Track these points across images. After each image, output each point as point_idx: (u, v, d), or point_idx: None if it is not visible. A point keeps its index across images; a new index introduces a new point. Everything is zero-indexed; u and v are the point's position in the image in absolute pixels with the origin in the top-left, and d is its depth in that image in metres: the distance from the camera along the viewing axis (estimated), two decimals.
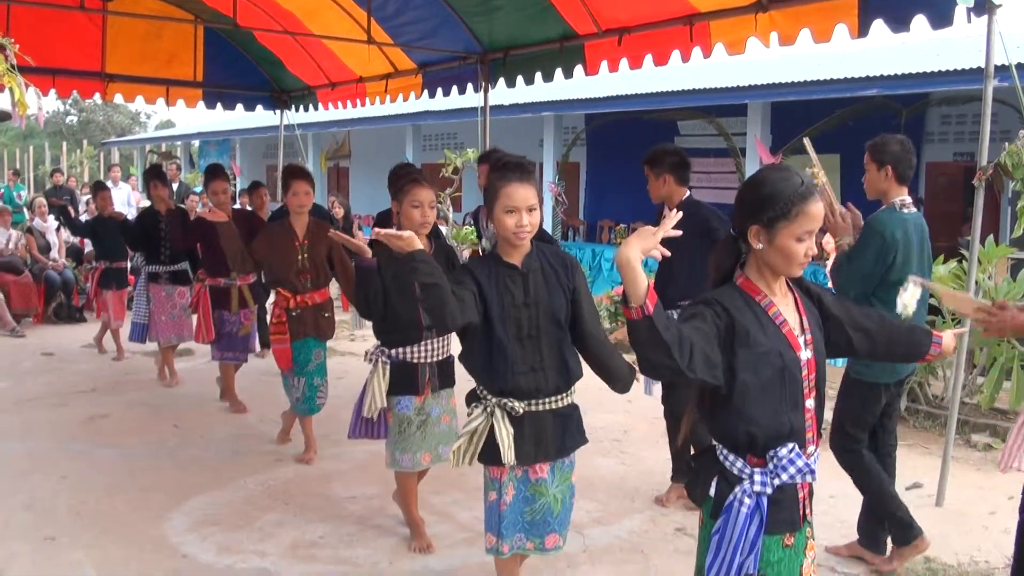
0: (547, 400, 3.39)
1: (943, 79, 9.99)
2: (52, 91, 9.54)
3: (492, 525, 3.49)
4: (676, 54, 6.36)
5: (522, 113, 15.27)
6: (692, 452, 4.54)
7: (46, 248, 12.07)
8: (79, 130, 45.20)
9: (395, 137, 19.61)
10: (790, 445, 2.50)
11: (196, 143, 29.42)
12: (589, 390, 3.73)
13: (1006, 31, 4.89)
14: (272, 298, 6.09)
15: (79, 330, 11.05)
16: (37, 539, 4.74)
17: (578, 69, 7.19)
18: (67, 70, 9.42)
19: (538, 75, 7.56)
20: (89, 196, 12.59)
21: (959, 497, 5.44)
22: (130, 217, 9.96)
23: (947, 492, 5.35)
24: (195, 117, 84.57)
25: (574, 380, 3.47)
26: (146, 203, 11.87)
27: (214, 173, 7.35)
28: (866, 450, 4.45)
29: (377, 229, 3.28)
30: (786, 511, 2.53)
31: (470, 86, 8.38)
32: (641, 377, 3.71)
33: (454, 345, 3.91)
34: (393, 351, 4.47)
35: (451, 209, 15.33)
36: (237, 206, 9.30)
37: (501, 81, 8.07)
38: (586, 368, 3.51)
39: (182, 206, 9.38)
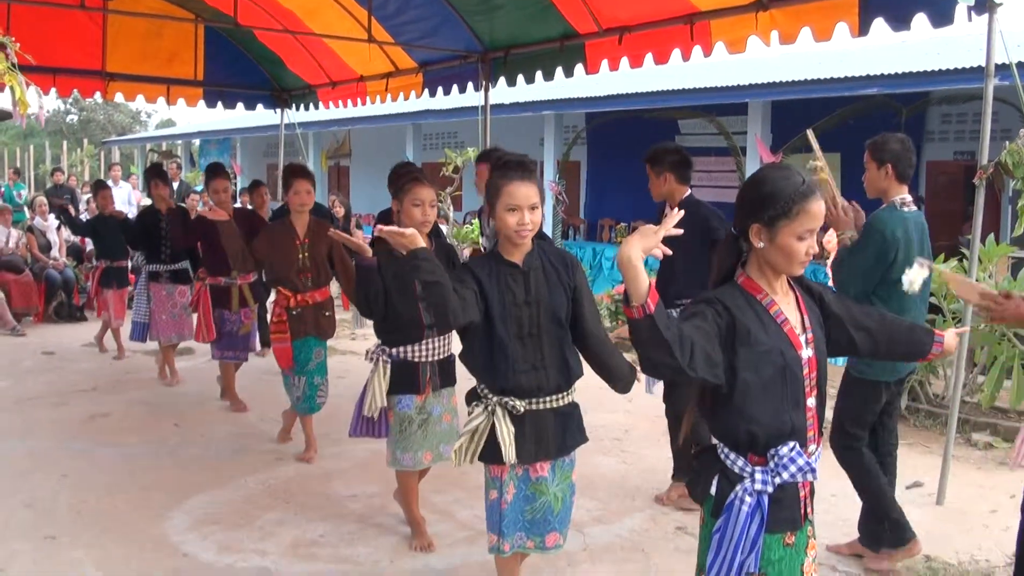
0: (548, 399, 3.39)
1: (943, 78, 9.99)
2: (53, 90, 9.55)
3: (493, 524, 3.50)
4: (677, 53, 6.36)
5: (523, 112, 15.27)
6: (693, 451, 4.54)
7: (47, 247, 12.07)
8: (80, 129, 45.19)
9: (396, 136, 19.61)
10: (791, 444, 2.50)
11: (197, 142, 29.42)
12: (590, 389, 3.73)
13: (1007, 29, 4.89)
14: (272, 297, 6.08)
15: (80, 329, 11.04)
16: (38, 538, 4.74)
17: (579, 68, 7.19)
18: (68, 69, 9.43)
19: (539, 74, 7.56)
20: (90, 195, 12.60)
21: (960, 496, 5.44)
22: (131, 216, 9.95)
23: (948, 491, 5.36)
24: (195, 116, 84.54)
25: (575, 379, 3.47)
26: (147, 202, 11.89)
27: (215, 172, 7.35)
28: (866, 449, 4.45)
29: (381, 226, 3.27)
30: (787, 510, 2.53)
31: (471, 85, 8.38)
32: (642, 376, 3.71)
33: (455, 344, 3.91)
34: (394, 350, 4.47)
35: (451, 208, 15.33)
36: (238, 205, 9.31)
37: (502, 80, 8.07)
38: (587, 367, 3.51)
39: (183, 205, 9.39)
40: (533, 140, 16.31)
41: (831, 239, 7.07)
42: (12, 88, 4.28)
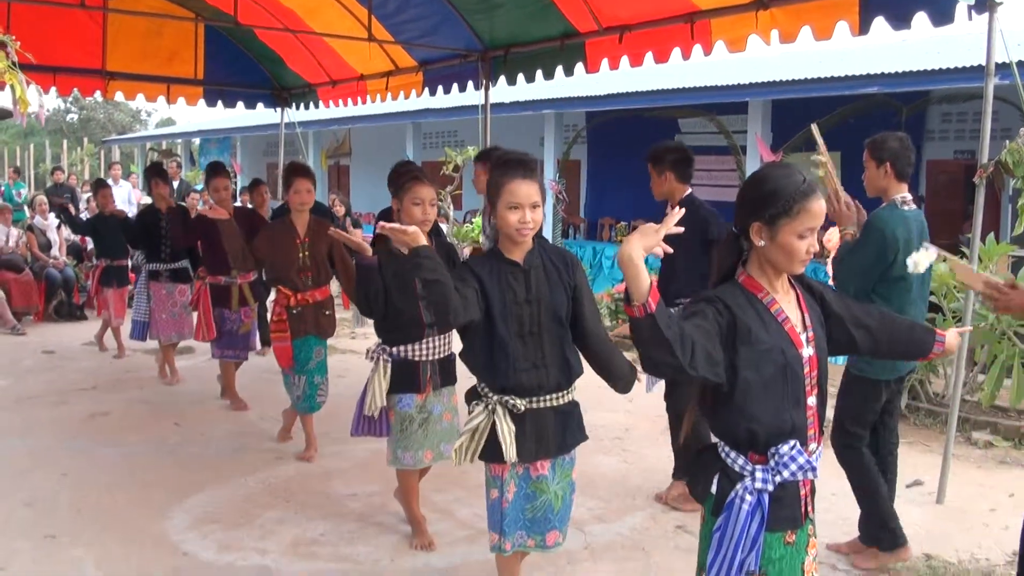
0: (548, 397, 3.39)
1: (944, 77, 9.98)
2: (53, 89, 9.54)
3: (494, 523, 3.50)
4: (677, 52, 6.36)
5: (523, 111, 15.26)
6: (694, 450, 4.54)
7: (47, 246, 12.07)
8: (80, 128, 45.18)
9: (396, 135, 19.60)
10: (791, 442, 2.51)
11: (197, 141, 29.39)
12: (590, 388, 3.73)
13: (1007, 28, 4.90)
14: (273, 296, 6.09)
15: (80, 328, 11.05)
16: (38, 536, 4.74)
17: (579, 67, 7.19)
18: (68, 68, 9.42)
19: (539, 73, 7.55)
20: (90, 194, 12.59)
21: (960, 494, 5.44)
22: (131, 215, 9.95)
23: (948, 489, 5.36)
24: (195, 115, 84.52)
25: (575, 377, 3.47)
26: (147, 201, 11.89)
27: (215, 170, 7.35)
28: (866, 450, 4.45)
29: (383, 223, 3.27)
30: (788, 508, 2.54)
31: (471, 84, 8.38)
32: (643, 376, 3.71)
33: (455, 343, 3.91)
34: (394, 349, 4.47)
35: (451, 207, 15.32)
36: (238, 204, 9.32)
37: (502, 79, 8.07)
38: (587, 367, 3.51)
39: (183, 204, 9.39)
40: (533, 139, 16.30)
41: (831, 237, 7.08)
42: (12, 87, 4.28)
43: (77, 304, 11.86)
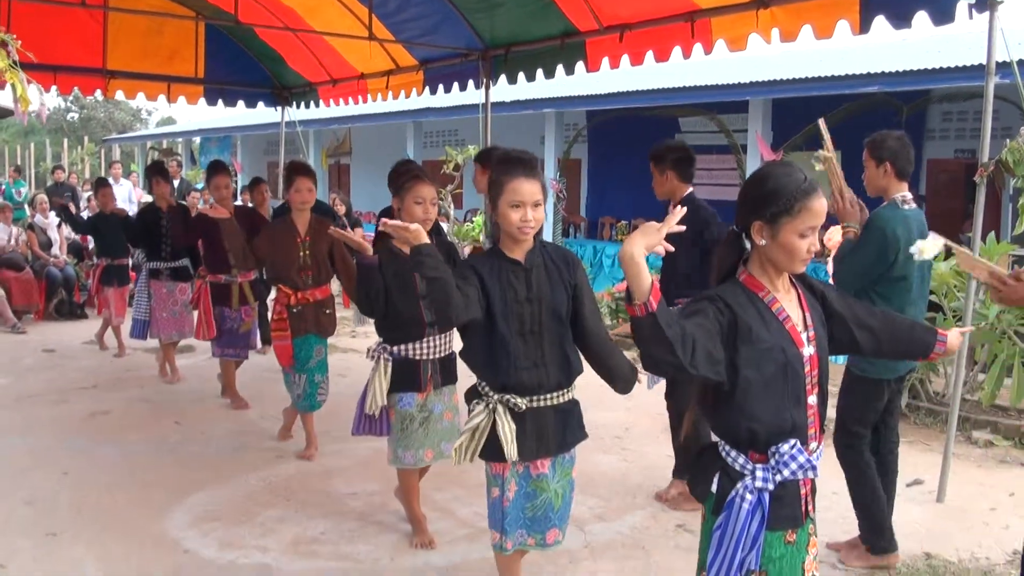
0: (549, 396, 3.40)
1: (944, 76, 9.98)
2: (53, 88, 9.54)
3: (495, 521, 3.50)
4: (677, 50, 6.36)
5: (523, 110, 15.25)
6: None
7: (47, 245, 12.07)
8: (80, 127, 45.18)
9: (396, 134, 19.59)
10: (792, 441, 2.51)
11: (197, 140, 29.39)
12: (590, 387, 3.73)
13: (1008, 27, 4.89)
14: (273, 295, 6.09)
15: (80, 327, 11.05)
16: (38, 535, 4.74)
17: (579, 66, 7.19)
18: (68, 67, 9.41)
19: (539, 72, 7.55)
20: (90, 193, 12.58)
21: (960, 493, 5.44)
22: (131, 214, 9.95)
23: (948, 488, 5.36)
24: (196, 114, 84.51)
25: (575, 376, 3.47)
26: (147, 199, 11.88)
27: (216, 168, 7.36)
28: (868, 452, 4.45)
29: (385, 220, 3.27)
30: (788, 507, 2.54)
31: (471, 83, 8.38)
32: (643, 376, 3.71)
33: (456, 342, 3.91)
34: (395, 348, 4.47)
35: (452, 206, 15.32)
36: (238, 203, 9.31)
37: (502, 78, 8.07)
38: (588, 366, 3.51)
39: (183, 203, 9.39)
40: (534, 138, 16.29)
41: (831, 236, 7.08)
42: (13, 85, 4.28)
43: (78, 303, 11.87)
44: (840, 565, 4.47)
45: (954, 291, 7.16)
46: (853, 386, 4.45)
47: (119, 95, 10.20)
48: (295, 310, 5.83)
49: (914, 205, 4.38)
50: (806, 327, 2.58)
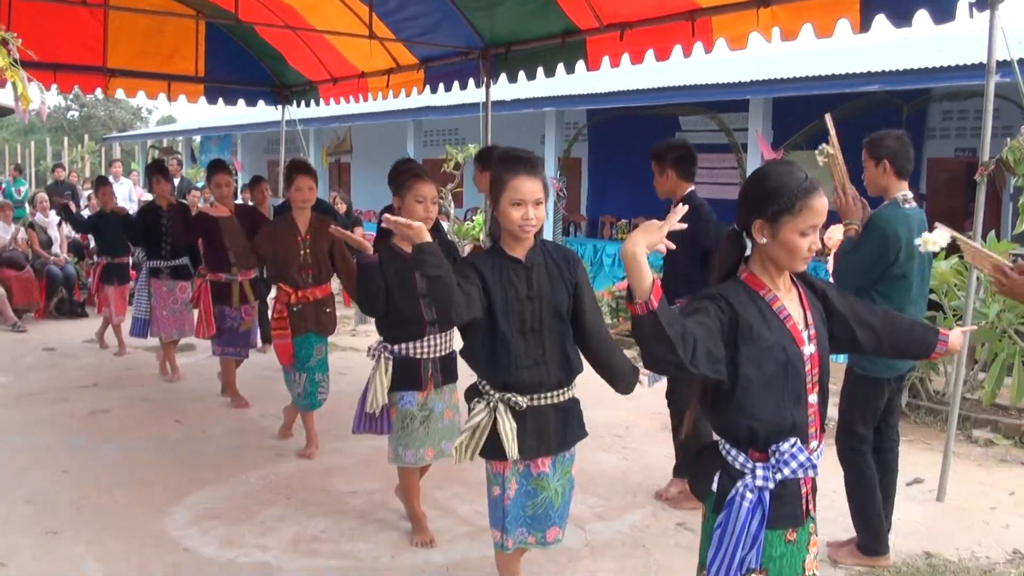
0: (549, 394, 3.40)
1: (945, 75, 9.97)
2: (54, 86, 9.53)
3: (496, 520, 3.50)
4: (678, 49, 6.35)
5: (524, 109, 15.24)
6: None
7: (48, 243, 12.07)
8: (80, 125, 45.19)
9: (396, 132, 19.58)
10: (792, 440, 2.51)
11: (197, 138, 29.40)
12: (591, 386, 3.73)
13: (1008, 26, 4.89)
14: (274, 293, 6.09)
15: (80, 325, 11.05)
16: (38, 533, 4.74)
17: (580, 64, 7.18)
18: (69, 65, 9.41)
19: (540, 70, 7.55)
20: (91, 191, 12.58)
21: (960, 492, 5.44)
22: (131, 212, 9.95)
23: (948, 487, 5.36)
24: (196, 112, 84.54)
25: (575, 374, 3.47)
26: (147, 198, 11.88)
27: (217, 167, 7.36)
28: (870, 454, 4.44)
29: (388, 216, 3.26)
30: (788, 506, 2.54)
31: (472, 81, 8.37)
32: (644, 376, 3.70)
33: (456, 341, 3.91)
34: (396, 347, 4.47)
35: (452, 204, 15.31)
36: (239, 201, 9.31)
37: (503, 76, 8.07)
38: (588, 365, 3.51)
39: (183, 201, 9.39)
40: (534, 137, 16.29)
41: (832, 235, 7.08)
42: (14, 84, 4.29)
43: (78, 301, 11.86)
44: (840, 563, 4.47)
45: (954, 290, 7.16)
46: (854, 386, 4.44)
47: (119, 93, 10.19)
48: (295, 309, 5.83)
49: (915, 204, 4.37)
50: (807, 325, 2.58)
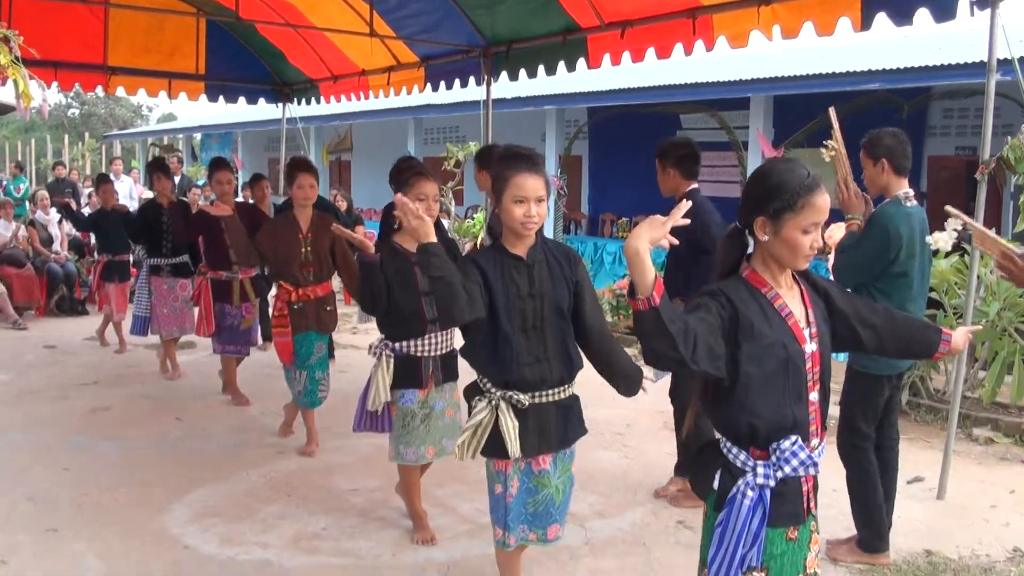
0: (551, 392, 3.40)
1: (945, 73, 9.96)
2: (55, 84, 9.53)
3: (498, 518, 3.50)
4: (679, 47, 6.35)
5: (524, 106, 15.24)
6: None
7: (48, 241, 12.06)
8: (81, 123, 45.20)
9: (397, 130, 19.58)
10: (793, 438, 2.51)
11: (198, 136, 29.39)
12: (591, 384, 3.73)
13: (1009, 25, 4.89)
14: (274, 291, 6.09)
15: (81, 323, 11.05)
16: (39, 531, 4.75)
17: (581, 62, 7.18)
18: (69, 63, 9.42)
19: (541, 68, 7.54)
20: (92, 189, 12.57)
21: (960, 491, 5.44)
22: (132, 210, 9.96)
23: (948, 486, 5.36)
24: (197, 110, 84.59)
25: (576, 371, 3.47)
26: (148, 195, 11.88)
27: (218, 164, 7.37)
28: (872, 452, 4.44)
29: (399, 196, 3.26)
30: (789, 504, 2.54)
31: (472, 79, 8.37)
32: (648, 371, 3.71)
33: (457, 339, 3.91)
34: (397, 345, 4.47)
35: (453, 203, 15.31)
36: (239, 199, 9.31)
37: (504, 74, 8.06)
38: (589, 364, 3.51)
39: (184, 199, 9.40)
40: (535, 135, 16.29)
41: (832, 234, 7.08)
42: (15, 81, 4.29)
43: (78, 299, 11.86)
44: (841, 562, 4.47)
45: (955, 288, 7.15)
46: (854, 383, 4.45)
47: (120, 91, 10.22)
48: (296, 306, 5.83)
49: (915, 202, 4.37)
50: (808, 323, 2.58)
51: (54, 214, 12.15)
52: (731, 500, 2.51)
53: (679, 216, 2.43)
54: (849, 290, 3.84)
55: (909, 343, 2.85)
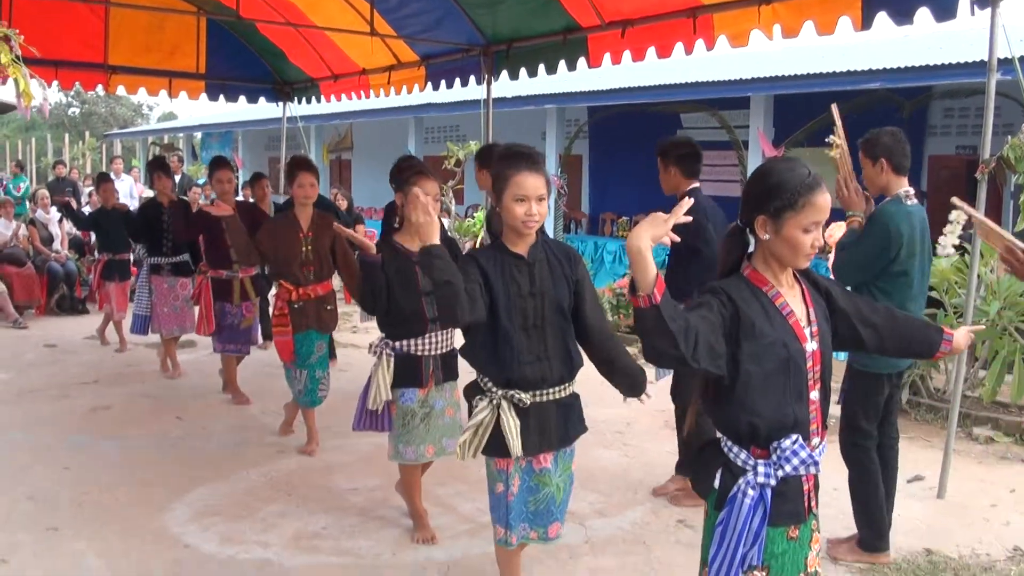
0: (551, 390, 3.40)
1: (946, 72, 9.96)
2: (55, 83, 9.53)
3: (500, 517, 3.50)
4: (679, 46, 6.35)
5: (525, 106, 15.24)
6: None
7: (49, 240, 12.06)
8: (81, 122, 45.22)
9: (398, 129, 19.57)
10: (793, 436, 2.51)
11: (198, 135, 29.38)
12: (591, 383, 3.73)
13: (1009, 24, 4.90)
14: (275, 290, 6.09)
15: (81, 322, 11.05)
16: (39, 530, 4.75)
17: (581, 61, 7.18)
18: (70, 62, 9.42)
19: (541, 67, 7.55)
20: (92, 188, 12.57)
21: (960, 490, 5.45)
22: (132, 209, 9.96)
23: (949, 485, 5.36)
24: (197, 109, 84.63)
25: (577, 369, 3.47)
26: (148, 194, 11.88)
27: (218, 163, 7.36)
28: (874, 451, 4.44)
29: (417, 190, 3.26)
30: (790, 503, 2.54)
31: (473, 78, 8.37)
32: (650, 369, 3.71)
33: (457, 338, 3.91)
34: (397, 344, 4.47)
35: (453, 202, 15.30)
36: (240, 198, 9.31)
37: (504, 73, 8.06)
38: (589, 362, 3.51)
39: (184, 198, 9.40)
40: (535, 134, 16.28)
41: (832, 233, 7.08)
42: (16, 80, 4.29)
43: (79, 298, 11.86)
44: (842, 561, 4.47)
45: (955, 287, 7.15)
46: (855, 382, 4.45)
47: (120, 90, 10.21)
48: (296, 306, 5.83)
49: (916, 201, 4.37)
50: (809, 322, 2.58)
51: (54, 213, 12.15)
52: (732, 499, 2.51)
53: (681, 213, 2.43)
54: (849, 288, 3.84)
55: (910, 342, 2.85)
